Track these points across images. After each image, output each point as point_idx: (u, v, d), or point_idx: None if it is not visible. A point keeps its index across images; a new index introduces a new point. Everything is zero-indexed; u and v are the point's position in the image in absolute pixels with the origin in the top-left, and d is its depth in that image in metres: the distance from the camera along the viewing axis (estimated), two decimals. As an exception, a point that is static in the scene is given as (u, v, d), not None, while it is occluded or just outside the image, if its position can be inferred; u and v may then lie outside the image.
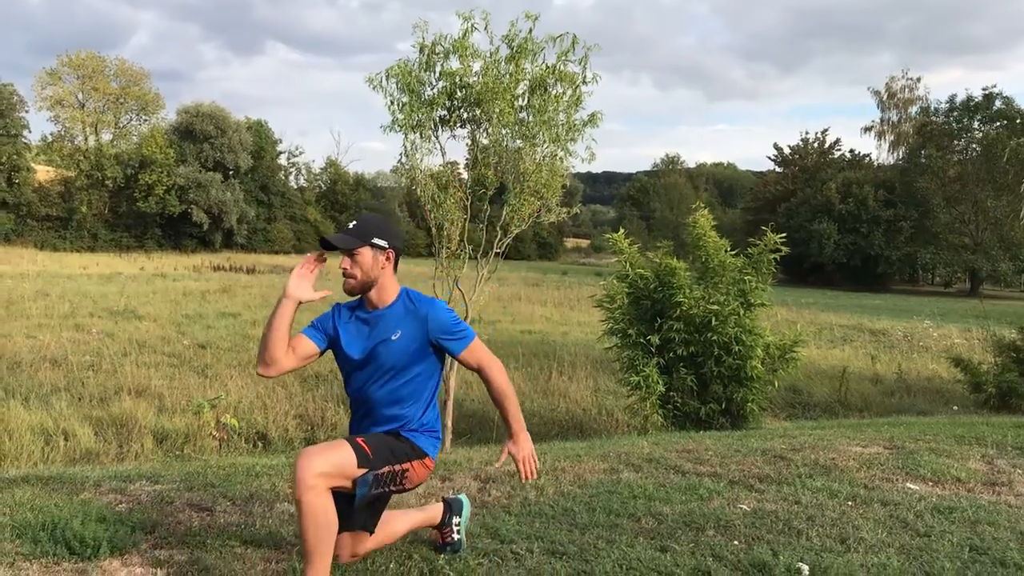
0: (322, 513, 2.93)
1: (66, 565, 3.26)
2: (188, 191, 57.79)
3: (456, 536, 3.61)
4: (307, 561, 2.98)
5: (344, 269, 3.18)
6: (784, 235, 9.90)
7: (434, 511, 3.65)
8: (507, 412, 3.27)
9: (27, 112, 57.09)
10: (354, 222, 3.26)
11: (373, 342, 3.22)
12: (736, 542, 3.77)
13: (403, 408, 3.24)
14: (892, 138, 64.55)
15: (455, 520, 3.64)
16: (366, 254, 3.18)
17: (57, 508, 3.90)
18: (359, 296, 3.29)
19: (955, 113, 54.60)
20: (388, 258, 3.24)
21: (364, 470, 3.02)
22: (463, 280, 9.93)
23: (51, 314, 18.69)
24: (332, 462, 2.96)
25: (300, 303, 3.23)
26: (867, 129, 66.06)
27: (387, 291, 3.26)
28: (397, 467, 3.13)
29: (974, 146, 54.43)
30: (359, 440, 3.09)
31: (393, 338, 3.20)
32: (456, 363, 10.08)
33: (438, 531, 3.64)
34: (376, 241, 3.20)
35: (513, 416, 3.26)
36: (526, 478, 3.27)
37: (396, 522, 3.52)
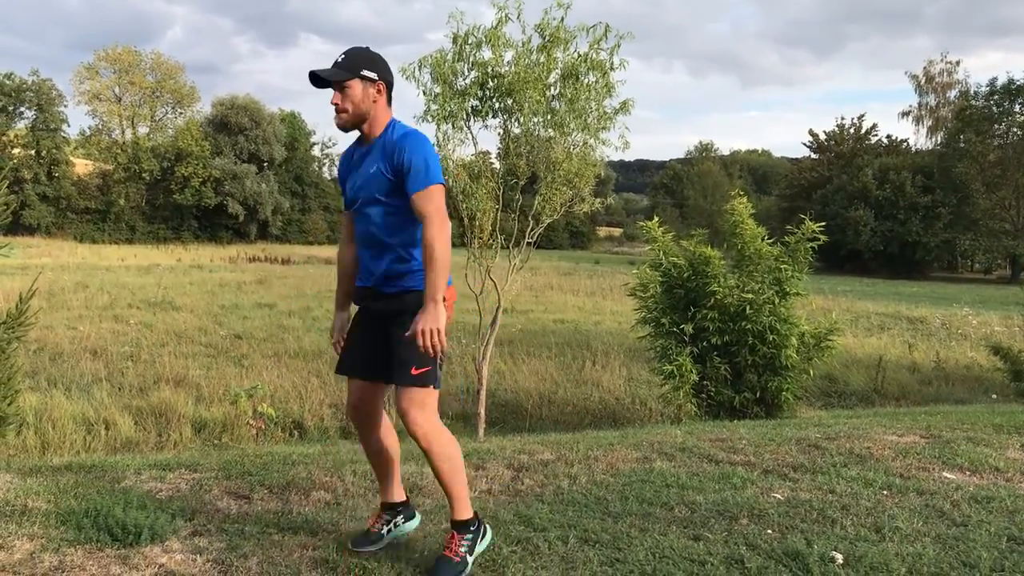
0: (449, 445, 3.17)
1: (109, 551, 3.32)
2: (223, 183, 58.40)
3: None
4: (450, 496, 3.21)
5: (335, 104, 3.14)
6: (823, 224, 9.79)
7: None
8: (425, 275, 3.02)
9: (66, 106, 58.16)
10: (342, 56, 3.16)
11: (362, 177, 3.22)
12: (770, 531, 3.76)
13: (401, 239, 3.19)
14: (930, 123, 63.59)
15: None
16: (356, 87, 3.12)
17: (99, 495, 3.98)
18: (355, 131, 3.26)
19: (995, 97, 53.54)
20: (379, 90, 3.17)
21: (433, 379, 3.14)
22: (495, 270, 9.95)
23: (91, 305, 19.02)
24: (424, 402, 3.11)
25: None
26: (904, 114, 65.24)
27: (378, 123, 3.20)
28: (440, 354, 3.08)
29: (1015, 130, 53.37)
30: (414, 370, 3.09)
31: (372, 171, 3.17)
32: (488, 352, 10.15)
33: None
34: (365, 73, 3.13)
35: (428, 280, 2.99)
36: (423, 349, 2.99)
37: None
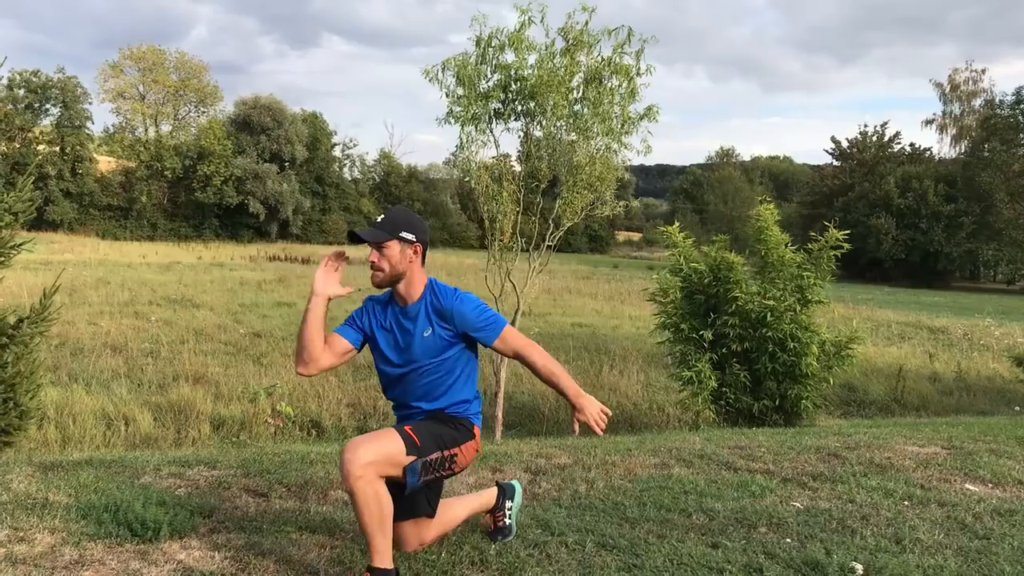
0: (374, 500, 2.96)
1: (128, 546, 3.34)
2: (245, 182, 58.74)
3: (508, 520, 3.64)
4: (368, 543, 3.04)
5: (372, 262, 3.19)
6: (846, 232, 9.73)
7: (489, 495, 3.70)
8: (560, 386, 3.27)
9: (90, 104, 58.67)
10: (382, 216, 3.25)
11: (407, 340, 3.26)
12: (789, 540, 3.74)
13: (441, 394, 3.29)
14: (954, 131, 63.11)
15: (507, 504, 3.67)
16: (394, 247, 3.18)
17: (119, 491, 4.01)
18: (387, 290, 3.32)
19: (1021, 106, 53.10)
20: (416, 251, 3.23)
21: (412, 458, 3.04)
22: (514, 272, 9.95)
23: (112, 302, 19.15)
24: (379, 451, 2.97)
25: (330, 299, 3.29)
26: (928, 122, 64.76)
27: (415, 284, 3.26)
28: (446, 452, 3.17)
29: (1041, 140, 52.90)
30: (407, 429, 3.11)
31: (425, 335, 3.23)
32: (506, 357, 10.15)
33: (491, 515, 3.66)
34: (404, 235, 3.19)
35: (567, 387, 3.26)
36: (600, 432, 3.26)
37: (455, 508, 3.55)
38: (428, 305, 3.25)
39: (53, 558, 3.18)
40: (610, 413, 3.30)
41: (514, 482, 3.82)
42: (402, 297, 3.28)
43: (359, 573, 3.13)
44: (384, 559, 3.05)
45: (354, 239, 3.23)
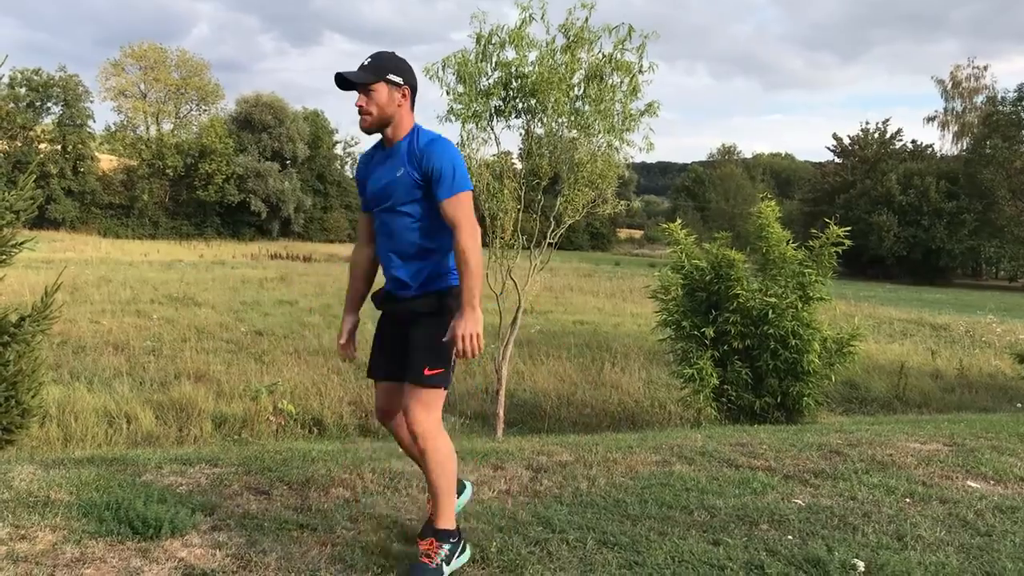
0: (446, 456, 3.15)
1: (130, 544, 3.34)
2: (246, 180, 58.74)
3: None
4: (436, 505, 3.18)
5: (360, 107, 3.15)
6: (848, 229, 9.72)
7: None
8: (461, 281, 3.08)
9: (92, 102, 58.57)
10: (369, 59, 3.19)
11: (385, 180, 3.22)
12: (790, 537, 3.74)
13: (426, 243, 3.21)
14: (956, 128, 62.99)
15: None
16: (381, 90, 3.14)
17: (121, 489, 4.01)
18: (378, 138, 3.29)
19: (1023, 102, 53.01)
20: (404, 95, 3.18)
21: (444, 381, 3.17)
22: (516, 270, 9.95)
23: (113, 300, 19.17)
24: (431, 403, 3.13)
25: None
26: (930, 119, 64.61)
27: (402, 128, 3.21)
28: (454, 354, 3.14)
29: (1043, 136, 52.80)
30: (427, 371, 3.12)
31: (398, 175, 3.17)
32: (508, 353, 10.15)
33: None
34: (391, 77, 3.15)
35: (465, 287, 3.05)
36: (461, 356, 3.05)
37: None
38: (408, 145, 3.19)
39: (54, 556, 3.18)
40: (481, 350, 3.05)
41: (467, 481, 3.67)
42: (389, 140, 3.24)
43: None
44: (451, 519, 3.21)
45: (341, 82, 3.17)
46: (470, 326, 3.01)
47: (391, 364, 3.33)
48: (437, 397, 3.16)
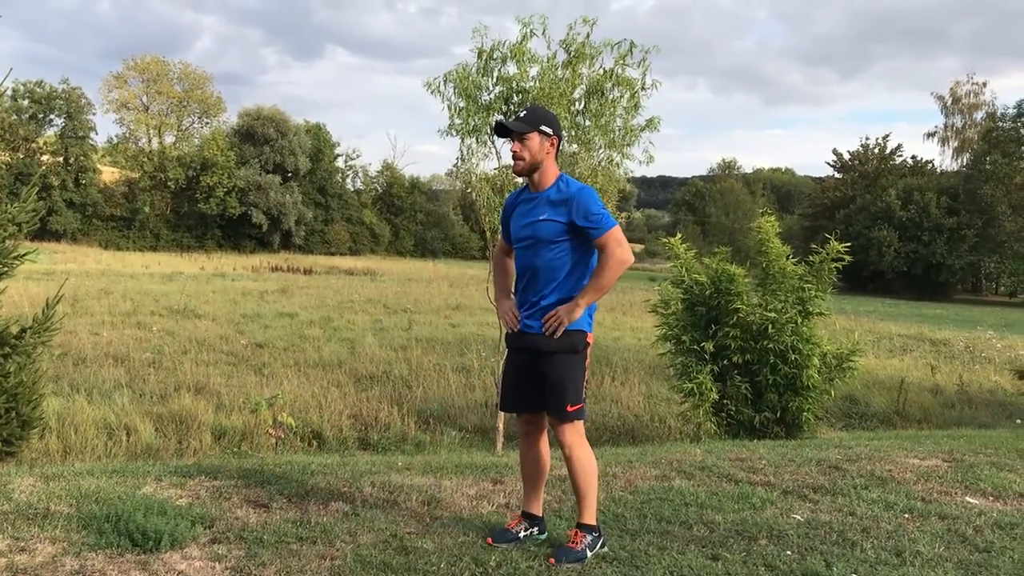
0: (588, 462, 3.67)
1: (129, 556, 3.35)
2: (248, 193, 58.87)
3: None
4: (580, 502, 3.69)
5: (514, 152, 3.62)
6: (848, 244, 9.73)
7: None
8: (587, 283, 3.60)
9: (94, 115, 58.91)
10: (524, 111, 3.70)
11: (527, 221, 3.66)
12: (789, 552, 3.74)
13: (559, 276, 3.62)
14: (956, 144, 63.13)
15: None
16: (534, 139, 3.61)
17: (120, 501, 4.01)
18: (525, 180, 3.74)
19: (1023, 118, 53.14)
20: (552, 144, 3.66)
21: (584, 411, 3.75)
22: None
23: (114, 312, 19.17)
24: (579, 430, 3.68)
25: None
26: (930, 135, 64.72)
27: (547, 175, 3.67)
28: (586, 374, 3.81)
29: (1042, 152, 52.88)
30: (569, 408, 3.64)
31: (542, 218, 3.60)
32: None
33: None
34: (544, 128, 3.62)
35: (586, 287, 3.59)
36: (545, 328, 3.59)
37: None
38: (554, 192, 3.64)
39: (54, 568, 3.19)
40: (561, 332, 3.57)
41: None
42: (535, 185, 3.70)
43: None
44: (593, 516, 3.68)
45: (500, 130, 3.69)
46: (566, 313, 3.55)
47: (526, 398, 3.79)
48: (581, 423, 3.70)
